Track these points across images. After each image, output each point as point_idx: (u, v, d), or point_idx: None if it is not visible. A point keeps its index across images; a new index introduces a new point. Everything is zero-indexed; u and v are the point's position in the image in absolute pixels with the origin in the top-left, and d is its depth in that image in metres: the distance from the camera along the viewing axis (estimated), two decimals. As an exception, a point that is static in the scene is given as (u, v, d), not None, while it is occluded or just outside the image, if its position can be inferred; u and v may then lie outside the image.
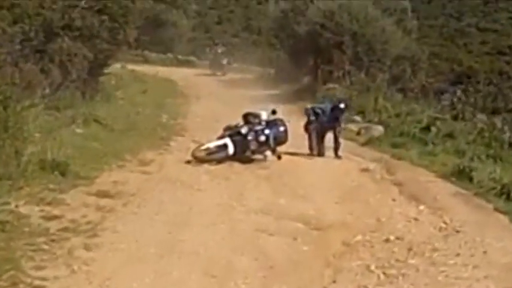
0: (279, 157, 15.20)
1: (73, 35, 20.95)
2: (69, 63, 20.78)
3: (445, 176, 14.14)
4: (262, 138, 14.98)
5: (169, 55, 44.77)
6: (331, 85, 26.65)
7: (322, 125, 16.30)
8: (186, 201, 11.40)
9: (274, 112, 15.45)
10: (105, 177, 12.40)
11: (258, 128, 15.10)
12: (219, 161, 14.69)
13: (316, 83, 27.51)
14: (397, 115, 22.40)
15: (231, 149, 14.79)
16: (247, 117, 15.61)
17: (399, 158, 16.34)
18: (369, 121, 22.15)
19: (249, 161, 15.01)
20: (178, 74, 36.84)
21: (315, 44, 28.17)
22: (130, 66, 35.46)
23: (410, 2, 34.55)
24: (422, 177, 14.21)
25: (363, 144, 18.46)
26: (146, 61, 41.46)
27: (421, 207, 11.98)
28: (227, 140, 14.89)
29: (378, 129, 20.48)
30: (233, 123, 15.51)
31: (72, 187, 11.33)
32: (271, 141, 15.10)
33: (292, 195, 12.38)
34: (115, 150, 14.76)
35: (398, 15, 32.23)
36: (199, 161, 14.54)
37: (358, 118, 22.83)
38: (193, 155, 14.63)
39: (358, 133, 20.54)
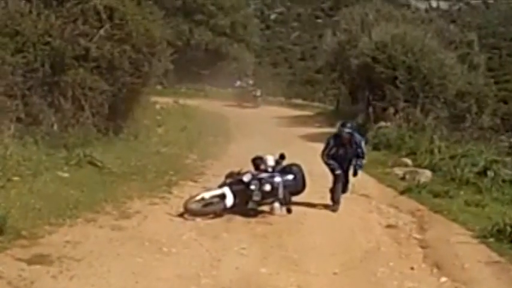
0: (289, 210, 12.82)
1: (89, 66, 19.03)
2: (83, 97, 18.88)
3: (483, 236, 11.45)
4: (268, 187, 12.63)
5: (230, 90, 42.51)
6: (383, 123, 24.08)
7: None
8: (139, 270, 9.11)
9: (282, 157, 13.12)
10: (57, 236, 10.23)
11: (263, 175, 12.72)
12: (217, 215, 12.30)
13: (368, 120, 24.87)
14: (452, 157, 19.61)
15: (229, 200, 12.49)
16: (256, 162, 13.27)
17: (437, 211, 13.62)
18: (419, 164, 19.40)
19: (254, 214, 12.58)
20: (234, 109, 34.50)
21: (367, 79, 25.63)
22: (185, 101, 33.67)
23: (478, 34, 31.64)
24: (454, 237, 11.59)
25: (402, 192, 15.75)
26: (206, 96, 39.40)
27: (443, 279, 9.55)
28: (226, 190, 12.59)
29: (425, 174, 17.91)
30: (236, 169, 13.20)
31: (2, 249, 9.13)
32: (279, 191, 12.65)
33: (281, 261, 10.01)
34: (94, 199, 12.64)
35: (464, 48, 29.54)
36: (193, 214, 12.25)
37: (408, 161, 20.14)
38: (185, 208, 12.37)
39: (403, 178, 17.88)
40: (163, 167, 17.05)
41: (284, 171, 13.17)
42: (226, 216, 12.43)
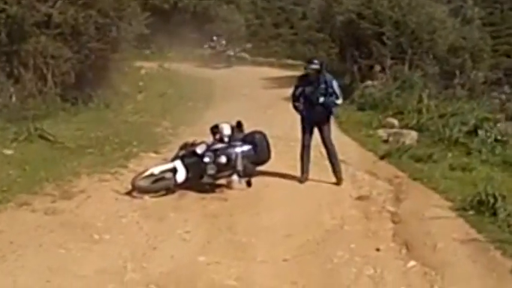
0: (249, 183, 11.53)
1: (52, 33, 17.72)
2: (45, 66, 17.60)
3: (463, 208, 10.16)
4: (223, 159, 11.38)
5: (200, 51, 40.44)
6: (369, 82, 22.70)
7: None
8: (58, 265, 7.89)
9: (239, 125, 11.81)
10: (-27, 225, 8.95)
11: (219, 146, 11.43)
12: (169, 191, 11.03)
13: (354, 79, 23.44)
14: (441, 116, 18.28)
15: (181, 175, 11.22)
16: (214, 131, 11.97)
17: (416, 178, 12.34)
18: (406, 124, 18.05)
19: (210, 189, 11.32)
20: (222, 72, 33.13)
21: (352, 36, 24.18)
22: (170, 65, 32.25)
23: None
24: (431, 210, 10.28)
25: (382, 157, 14.46)
26: (194, 59, 37.87)
27: (411, 263, 8.28)
28: (177, 163, 11.29)
29: (410, 136, 16.65)
30: (190, 139, 11.93)
31: None
32: (237, 162, 11.35)
33: (226, 247, 8.77)
34: (35, 178, 11.37)
35: (457, 1, 28.03)
36: (142, 192, 10.98)
37: (394, 121, 18.80)
38: (133, 185, 11.09)
39: (386, 140, 16.55)
40: (127, 137, 15.71)
41: (245, 140, 11.83)
42: (179, 193, 11.22)
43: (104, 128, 16.52)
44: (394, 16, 23.46)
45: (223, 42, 37.32)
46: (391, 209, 10.72)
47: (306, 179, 12.35)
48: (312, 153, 12.63)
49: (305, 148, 12.50)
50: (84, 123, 16.67)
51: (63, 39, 18.28)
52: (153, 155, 14.34)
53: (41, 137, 14.08)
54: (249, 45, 40.41)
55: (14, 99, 16.91)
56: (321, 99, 12.03)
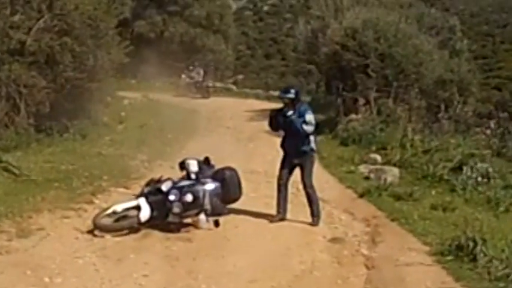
0: (217, 223, 10.90)
1: (26, 61, 17.22)
2: (18, 95, 17.07)
3: (440, 253, 9.56)
4: (189, 197, 10.75)
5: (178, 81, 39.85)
6: (353, 115, 22.17)
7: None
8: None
9: (207, 161, 11.23)
10: None
11: (185, 183, 10.84)
12: (133, 230, 10.45)
13: (338, 113, 22.93)
14: (426, 151, 17.79)
15: (145, 213, 10.62)
16: (182, 167, 11.42)
17: (394, 218, 11.76)
18: (389, 161, 17.49)
19: (177, 228, 10.73)
20: (210, 103, 32.72)
21: (337, 68, 23.70)
22: (154, 95, 31.78)
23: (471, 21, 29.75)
24: (406, 255, 9.66)
25: (361, 195, 13.88)
26: (172, 89, 37.44)
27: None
28: (141, 201, 10.70)
29: (392, 172, 16.09)
30: (157, 175, 11.36)
31: None
32: (205, 201, 10.76)
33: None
34: (-8, 214, 10.67)
35: (445, 34, 27.61)
36: (104, 231, 10.38)
37: (377, 157, 18.26)
38: (94, 223, 10.49)
39: (367, 177, 15.98)
40: (98, 171, 15.09)
41: (215, 176, 11.25)
42: (143, 232, 10.64)
43: (76, 160, 15.91)
44: (380, 48, 22.95)
45: (201, 72, 36.80)
46: (366, 252, 10.16)
47: (283, 219, 11.71)
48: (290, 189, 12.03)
49: (281, 186, 11.91)
50: (55, 156, 16.10)
51: (38, 68, 17.82)
52: (122, 190, 13.75)
53: (6, 169, 13.43)
54: (240, 77, 40.11)
55: (-17, 129, 16.29)
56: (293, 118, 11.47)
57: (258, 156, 18.33)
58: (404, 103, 22.28)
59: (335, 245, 10.55)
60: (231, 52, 45.70)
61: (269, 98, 36.52)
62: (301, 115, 11.47)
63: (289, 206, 11.94)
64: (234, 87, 42.67)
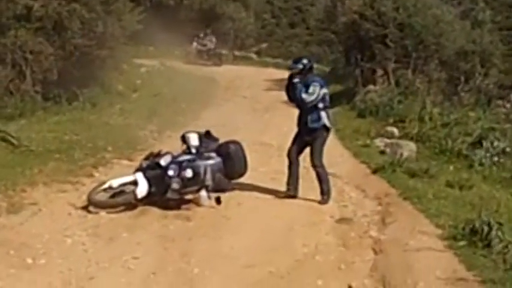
0: (218, 200, 10.29)
1: (32, 27, 16.66)
2: (24, 62, 16.55)
3: (453, 237, 8.89)
4: (189, 173, 10.13)
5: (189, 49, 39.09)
6: (371, 86, 21.46)
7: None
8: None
9: (208, 134, 10.62)
10: None
11: (185, 158, 10.23)
12: (130, 206, 9.89)
13: (357, 84, 22.25)
14: (444, 125, 17.07)
15: (142, 189, 10.01)
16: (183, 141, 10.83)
17: (407, 197, 11.08)
18: (406, 134, 16.82)
19: (176, 205, 10.15)
20: (225, 72, 32.18)
21: (355, 38, 22.98)
22: (172, 63, 31.20)
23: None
24: (416, 239, 9.01)
25: (374, 171, 13.23)
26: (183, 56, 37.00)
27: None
28: (138, 176, 10.10)
29: (409, 147, 15.45)
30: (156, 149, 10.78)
31: None
32: (206, 176, 10.16)
33: (172, 280, 7.61)
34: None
35: (467, 4, 26.77)
36: (99, 207, 9.82)
37: (394, 130, 17.58)
38: (89, 199, 9.92)
39: (383, 152, 15.33)
40: (103, 141, 14.55)
41: (218, 151, 10.64)
42: (140, 209, 10.05)
43: (81, 130, 15.32)
44: (399, 17, 22.22)
45: (214, 39, 36.22)
46: (374, 234, 9.49)
47: (292, 197, 11.10)
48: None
49: (291, 162, 11.30)
50: (60, 125, 15.48)
51: (45, 34, 17.23)
52: (126, 162, 13.19)
53: (3, 139, 12.87)
54: (264, 45, 39.54)
55: (-13, 96, 15.83)
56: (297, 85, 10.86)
57: (273, 128, 17.76)
58: (423, 75, 21.57)
59: (342, 225, 9.91)
60: (252, 20, 44.80)
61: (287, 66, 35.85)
62: (307, 85, 10.80)
63: (300, 182, 11.22)
64: (254, 55, 42.00)
